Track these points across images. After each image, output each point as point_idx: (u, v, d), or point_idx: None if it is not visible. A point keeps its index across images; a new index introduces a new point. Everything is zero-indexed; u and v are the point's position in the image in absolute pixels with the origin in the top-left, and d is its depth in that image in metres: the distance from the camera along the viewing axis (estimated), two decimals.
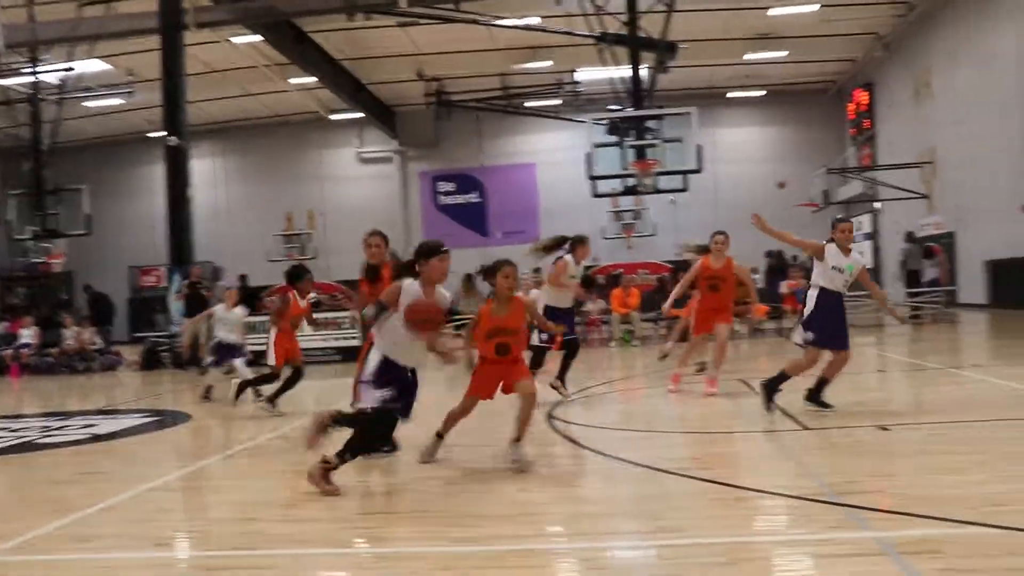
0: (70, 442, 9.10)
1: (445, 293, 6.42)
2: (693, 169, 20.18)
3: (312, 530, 5.28)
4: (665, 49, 22.26)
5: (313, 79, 30.01)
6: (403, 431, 6.61)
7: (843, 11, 28.20)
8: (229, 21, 23.20)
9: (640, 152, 20.13)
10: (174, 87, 20.30)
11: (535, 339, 10.21)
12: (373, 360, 6.22)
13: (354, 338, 17.61)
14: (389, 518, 5.62)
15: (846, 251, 8.45)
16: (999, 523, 4.52)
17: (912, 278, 25.08)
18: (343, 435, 6.22)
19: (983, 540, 4.33)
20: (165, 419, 10.80)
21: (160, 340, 21.31)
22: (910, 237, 26.71)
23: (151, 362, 20.06)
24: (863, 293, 26.11)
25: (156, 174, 29.05)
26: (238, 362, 11.88)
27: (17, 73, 25.08)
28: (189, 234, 20.26)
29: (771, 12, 27.68)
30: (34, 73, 24.96)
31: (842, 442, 7.18)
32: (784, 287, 20.06)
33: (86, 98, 29.11)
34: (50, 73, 25.31)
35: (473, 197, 38.02)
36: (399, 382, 6.20)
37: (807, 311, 8.43)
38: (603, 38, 22.45)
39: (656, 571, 4.39)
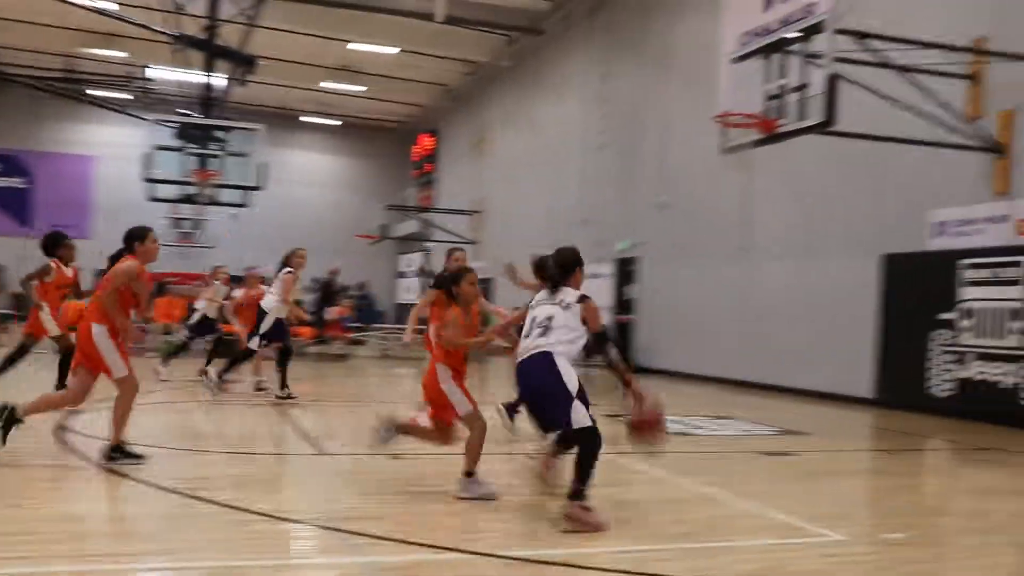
0: None
1: None
2: (254, 186, 19.92)
3: None
4: (243, 61, 21.87)
5: None
6: None
7: (420, 59, 29.59)
8: None
9: (202, 161, 19.50)
10: None
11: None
12: (572, 374, 5.46)
13: None
14: None
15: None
16: (474, 549, 4.88)
17: None
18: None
19: (458, 565, 4.65)
20: None
21: None
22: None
23: None
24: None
25: None
26: None
27: None
28: None
29: (352, 47, 28.33)
30: None
31: (351, 469, 7.38)
32: (331, 313, 20.41)
33: None
34: None
35: (18, 182, 34.48)
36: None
37: None
38: (180, 39, 21.54)
39: None
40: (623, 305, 21.03)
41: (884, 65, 11.25)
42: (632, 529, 5.57)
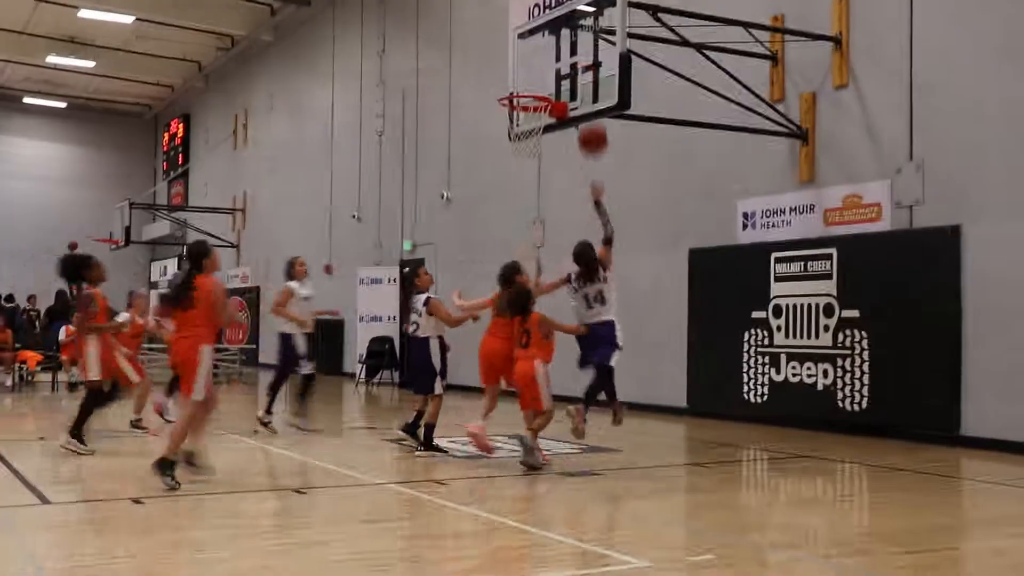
0: None
1: None
2: None
3: None
4: None
5: None
6: None
7: (160, 29, 28.45)
8: None
9: None
10: None
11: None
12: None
13: None
14: None
15: None
16: None
17: None
18: None
19: None
20: None
21: None
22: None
23: None
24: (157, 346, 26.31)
25: None
26: None
27: None
28: None
29: (82, 13, 26.94)
30: None
31: (86, 517, 6.98)
32: (63, 333, 19.30)
33: None
34: None
35: None
36: None
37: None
38: None
39: None
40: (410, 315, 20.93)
41: (682, 43, 11.68)
42: (411, 569, 5.49)
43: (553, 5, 12.31)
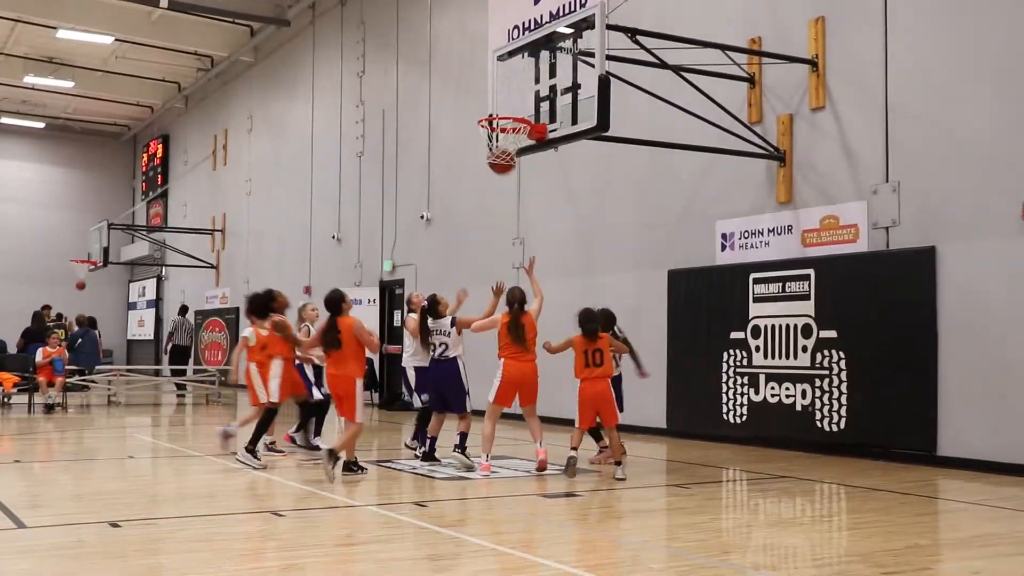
0: None
1: None
2: None
3: None
4: None
5: None
6: None
7: (139, 50, 28.46)
8: None
9: None
10: None
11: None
12: None
13: None
14: None
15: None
16: None
17: (178, 354, 25.93)
18: None
19: None
20: None
21: None
22: (183, 310, 27.58)
23: None
24: (147, 368, 26.17)
25: None
26: None
27: None
28: None
29: (61, 34, 26.89)
30: None
31: (61, 542, 6.90)
32: (40, 355, 19.17)
33: None
34: None
35: None
36: None
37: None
38: None
39: None
40: (392, 334, 20.91)
41: (660, 65, 11.74)
42: None
43: (532, 27, 12.40)
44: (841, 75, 12.14)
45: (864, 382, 11.54)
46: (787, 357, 12.41)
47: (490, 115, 11.44)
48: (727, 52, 12.48)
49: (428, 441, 10.96)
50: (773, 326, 12.62)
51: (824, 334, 11.99)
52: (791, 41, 12.58)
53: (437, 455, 10.88)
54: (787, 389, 12.40)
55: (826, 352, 11.95)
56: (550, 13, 11.98)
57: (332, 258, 23.71)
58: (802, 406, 12.16)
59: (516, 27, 12.57)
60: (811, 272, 12.23)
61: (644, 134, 12.36)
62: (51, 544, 6.87)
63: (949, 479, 10.04)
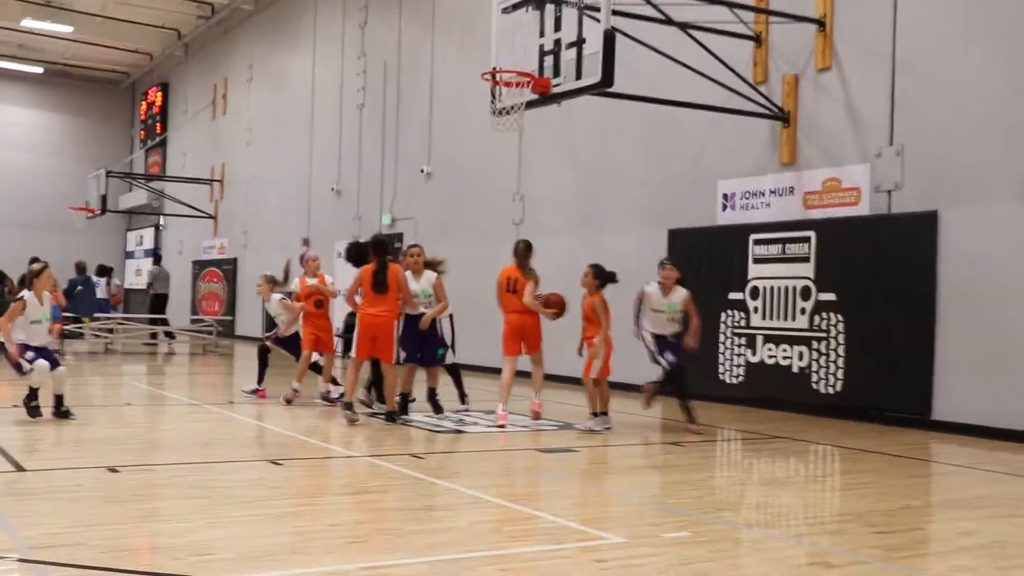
0: None
1: None
2: None
3: None
4: None
5: None
6: None
7: None
8: None
9: None
10: None
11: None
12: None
13: None
14: None
15: (667, 291, 10.41)
16: (204, 573, 4.68)
17: (159, 302, 26.09)
18: None
19: None
20: None
21: None
22: (158, 259, 27.72)
23: None
24: (143, 316, 26.25)
25: None
26: None
27: None
28: None
29: None
30: None
31: (61, 485, 6.96)
32: None
33: None
34: None
35: None
36: None
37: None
38: None
39: None
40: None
41: (666, 21, 11.67)
42: (384, 541, 5.51)
43: None
44: (848, 35, 12.07)
45: (862, 346, 11.58)
46: (785, 319, 12.44)
47: (493, 68, 11.38)
48: (734, 10, 12.40)
49: (400, 397, 10.82)
50: (772, 288, 12.64)
51: (823, 297, 12.02)
52: (799, 0, 12.49)
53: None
54: (784, 351, 12.45)
55: (824, 315, 11.98)
56: None
57: (331, 210, 23.67)
58: (799, 368, 12.22)
59: None
60: (812, 234, 12.23)
61: (648, 92, 12.29)
62: (50, 487, 6.93)
63: (943, 443, 10.11)
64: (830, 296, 11.95)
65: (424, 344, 10.88)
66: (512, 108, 11.00)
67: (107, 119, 37.94)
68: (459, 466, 8.28)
